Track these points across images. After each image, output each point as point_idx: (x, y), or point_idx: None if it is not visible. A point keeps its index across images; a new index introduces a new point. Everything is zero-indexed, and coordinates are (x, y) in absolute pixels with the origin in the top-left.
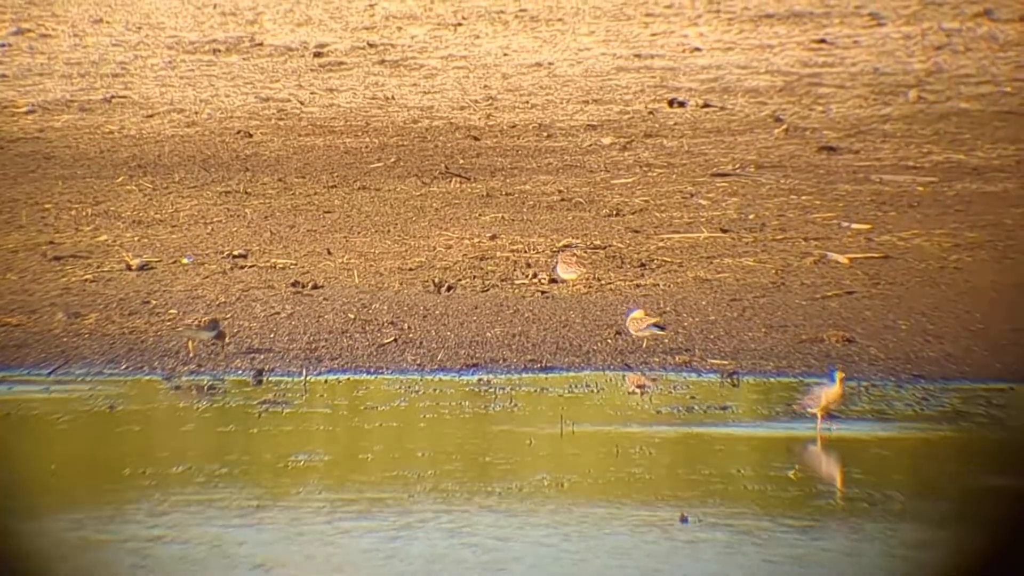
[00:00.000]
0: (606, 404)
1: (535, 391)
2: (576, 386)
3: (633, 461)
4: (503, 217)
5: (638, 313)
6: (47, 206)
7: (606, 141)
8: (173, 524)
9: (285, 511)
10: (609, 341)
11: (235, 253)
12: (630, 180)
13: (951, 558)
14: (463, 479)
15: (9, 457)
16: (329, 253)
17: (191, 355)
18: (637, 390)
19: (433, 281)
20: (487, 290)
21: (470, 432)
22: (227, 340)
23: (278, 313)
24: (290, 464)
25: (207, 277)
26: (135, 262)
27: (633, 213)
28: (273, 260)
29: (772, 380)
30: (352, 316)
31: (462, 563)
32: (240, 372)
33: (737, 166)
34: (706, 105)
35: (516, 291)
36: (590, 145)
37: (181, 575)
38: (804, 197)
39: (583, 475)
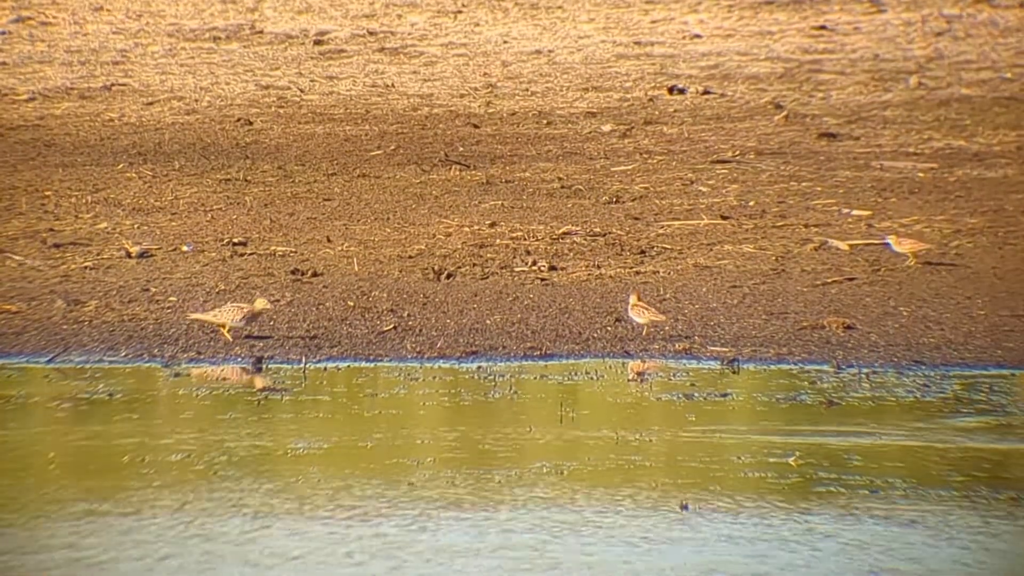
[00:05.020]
0: (606, 391)
1: (534, 378)
2: (575, 373)
3: (633, 448)
4: (503, 205)
5: (633, 298)
6: (47, 193)
7: (606, 128)
8: (171, 514)
9: (284, 499)
10: (609, 328)
11: (235, 241)
12: (630, 167)
13: None
14: (462, 466)
15: (8, 444)
16: (329, 241)
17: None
18: (637, 377)
19: (433, 269)
20: (487, 278)
21: (469, 419)
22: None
23: (277, 300)
24: (289, 452)
25: (207, 264)
26: (135, 249)
27: (633, 200)
28: (273, 248)
29: (772, 367)
30: (352, 304)
31: (463, 551)
32: (239, 360)
33: (737, 153)
34: (706, 92)
35: (516, 279)
36: (590, 132)
37: (180, 568)
38: (804, 184)
39: (583, 462)
